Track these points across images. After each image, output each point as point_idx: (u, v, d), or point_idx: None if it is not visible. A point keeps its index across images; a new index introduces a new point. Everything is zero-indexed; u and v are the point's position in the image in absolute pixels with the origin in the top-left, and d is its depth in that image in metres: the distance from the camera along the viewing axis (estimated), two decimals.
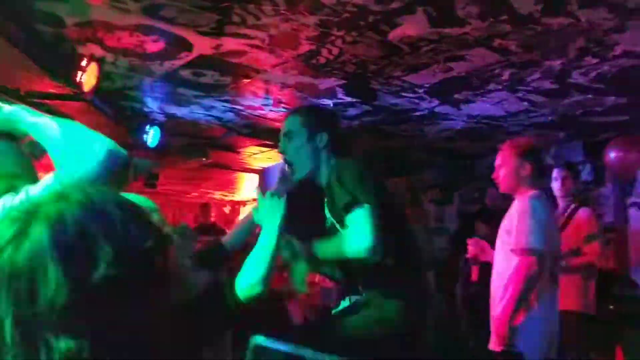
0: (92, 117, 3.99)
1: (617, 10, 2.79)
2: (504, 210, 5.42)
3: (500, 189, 2.93)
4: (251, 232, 2.25)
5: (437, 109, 4.64)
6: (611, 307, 4.71)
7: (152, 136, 4.89)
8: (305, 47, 3.39)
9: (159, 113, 4.90)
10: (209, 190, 8.73)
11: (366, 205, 1.84)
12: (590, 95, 4.15)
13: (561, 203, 3.86)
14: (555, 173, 3.93)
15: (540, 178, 2.90)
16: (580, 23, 2.96)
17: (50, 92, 3.57)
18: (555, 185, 3.89)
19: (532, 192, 2.76)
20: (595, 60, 3.49)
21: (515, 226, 2.68)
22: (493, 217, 5.35)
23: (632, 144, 4.71)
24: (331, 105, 4.52)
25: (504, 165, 2.84)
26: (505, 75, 3.79)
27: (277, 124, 4.64)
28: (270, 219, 1.85)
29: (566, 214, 3.80)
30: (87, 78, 3.38)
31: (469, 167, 6.50)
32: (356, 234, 1.83)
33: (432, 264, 6.37)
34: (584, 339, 3.75)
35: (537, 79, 3.84)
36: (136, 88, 4.25)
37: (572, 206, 3.82)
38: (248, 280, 1.75)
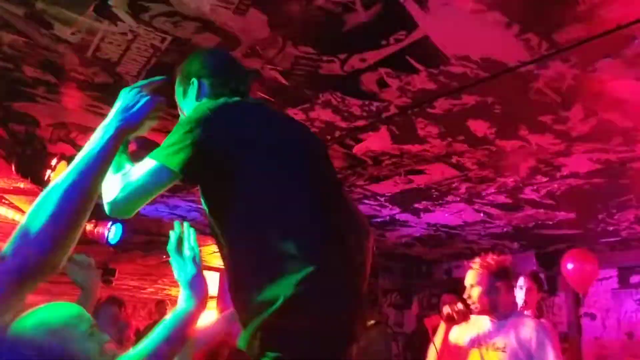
0: None
1: (563, 137, 3.04)
2: None
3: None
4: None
5: (397, 216, 4.79)
6: None
7: (113, 232, 4.85)
8: None
9: None
10: (165, 287, 8.54)
11: None
12: (541, 210, 4.37)
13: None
14: (520, 282, 4.03)
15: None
16: (530, 146, 3.20)
17: (18, 187, 3.57)
18: (519, 295, 3.96)
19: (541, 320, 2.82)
20: (545, 179, 3.72)
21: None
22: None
23: (588, 256, 4.90)
24: None
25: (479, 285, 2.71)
26: (463, 188, 3.98)
27: None
28: None
29: None
30: (55, 176, 3.40)
31: (427, 272, 6.61)
32: None
33: None
34: None
35: (492, 193, 4.05)
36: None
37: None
38: None
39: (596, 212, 4.35)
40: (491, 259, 2.79)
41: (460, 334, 2.80)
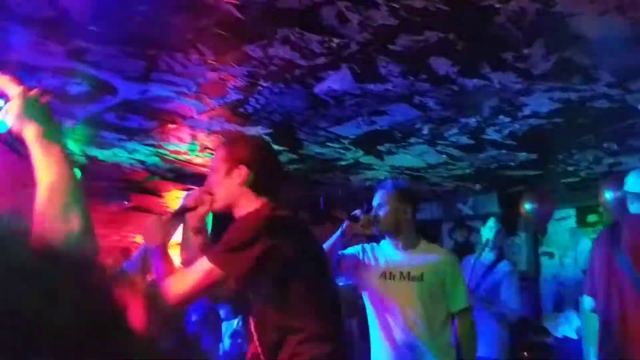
0: (7, 157, 3.82)
1: (524, 75, 3.02)
2: None
3: None
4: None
5: (361, 159, 4.77)
6: (525, 353, 4.89)
7: None
8: (232, 96, 3.43)
9: (80, 155, 4.75)
10: (129, 234, 8.46)
11: (212, 261, 1.84)
12: (504, 151, 4.40)
13: (488, 254, 4.03)
14: (491, 223, 4.13)
15: None
16: (492, 85, 3.17)
17: None
18: (489, 235, 4.06)
19: None
20: (507, 119, 3.72)
21: None
22: None
23: (546, 196, 5.00)
24: None
25: None
26: (425, 129, 3.97)
27: (203, 169, 4.61)
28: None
29: (490, 265, 3.98)
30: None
31: None
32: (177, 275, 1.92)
33: (356, 312, 6.42)
34: None
35: (454, 134, 4.05)
36: None
37: (495, 258, 4.02)
38: None
39: (556, 152, 4.40)
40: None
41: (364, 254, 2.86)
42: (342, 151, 4.52)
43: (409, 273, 2.70)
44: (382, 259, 2.83)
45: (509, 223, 5.71)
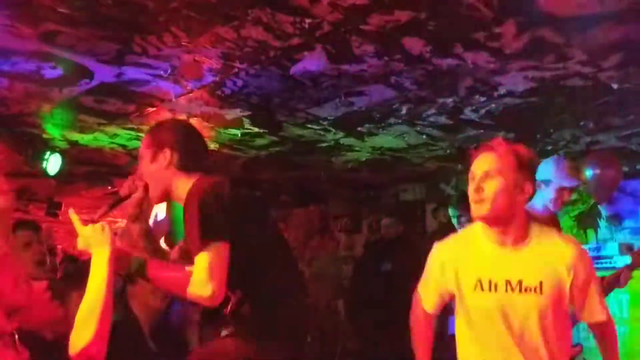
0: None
1: (497, 54, 3.04)
2: (400, 240, 5.57)
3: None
4: None
5: (342, 141, 4.79)
6: None
7: (52, 164, 4.72)
8: (208, 79, 3.43)
9: (61, 140, 4.74)
10: (115, 220, 8.46)
11: (213, 244, 1.77)
12: (482, 131, 4.44)
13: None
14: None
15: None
16: (466, 64, 3.19)
17: None
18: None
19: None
20: (483, 99, 3.75)
21: None
22: (389, 248, 5.54)
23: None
24: (239, 135, 4.57)
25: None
26: (404, 110, 3.99)
27: None
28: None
29: None
30: None
31: (375, 196, 6.72)
32: (196, 277, 1.74)
33: (341, 292, 6.49)
34: None
35: (433, 114, 4.07)
36: (34, 114, 4.11)
37: None
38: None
39: (534, 131, 4.44)
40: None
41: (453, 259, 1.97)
42: (322, 133, 4.54)
43: (520, 282, 1.83)
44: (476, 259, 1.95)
45: None
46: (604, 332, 1.96)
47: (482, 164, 1.85)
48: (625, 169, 4.73)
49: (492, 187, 1.79)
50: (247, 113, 4.08)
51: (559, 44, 2.94)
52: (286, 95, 3.71)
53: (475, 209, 1.82)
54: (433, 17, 2.67)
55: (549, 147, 4.83)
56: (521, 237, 1.85)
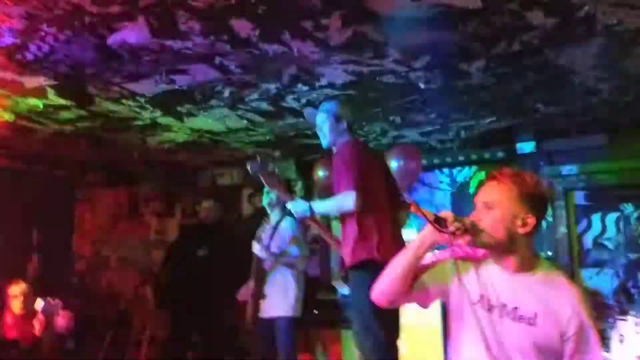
0: None
1: (322, 45, 3.12)
2: (218, 224, 5.52)
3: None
4: None
5: (159, 120, 4.57)
6: (315, 311, 5.21)
7: None
8: (7, 40, 3.01)
9: None
10: None
11: None
12: (301, 119, 4.54)
13: (274, 216, 4.20)
14: (266, 189, 4.25)
15: None
16: (292, 52, 3.23)
17: None
18: (265, 200, 4.24)
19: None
20: (305, 88, 3.83)
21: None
22: (207, 232, 5.47)
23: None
24: (41, 106, 4.10)
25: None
26: (226, 92, 3.92)
27: None
28: None
29: (276, 225, 4.14)
30: None
31: (191, 179, 6.56)
32: None
33: (151, 278, 6.23)
34: (294, 341, 4.06)
35: (255, 99, 4.06)
36: None
37: (281, 216, 4.17)
38: None
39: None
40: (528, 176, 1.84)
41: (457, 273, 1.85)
42: (137, 110, 4.28)
43: (515, 309, 1.77)
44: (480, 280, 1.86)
45: (305, 189, 5.98)
46: None
47: (484, 194, 1.83)
48: (424, 162, 5.19)
49: (489, 218, 1.78)
50: (52, 82, 3.67)
51: (378, 42, 3.10)
52: (100, 67, 3.41)
53: (477, 239, 1.78)
54: (264, 1, 2.64)
55: (361, 139, 5.12)
56: (525, 268, 1.81)
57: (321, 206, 3.11)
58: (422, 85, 3.79)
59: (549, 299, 1.74)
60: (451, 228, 1.70)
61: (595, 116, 4.51)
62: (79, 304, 5.40)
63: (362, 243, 2.91)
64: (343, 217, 3.03)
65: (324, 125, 3.23)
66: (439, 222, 1.72)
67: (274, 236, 4.14)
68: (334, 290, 5.42)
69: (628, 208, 4.98)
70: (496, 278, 1.81)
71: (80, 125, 4.61)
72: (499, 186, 1.80)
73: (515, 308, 1.76)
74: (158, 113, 4.38)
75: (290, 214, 3.42)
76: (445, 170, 5.63)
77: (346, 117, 3.21)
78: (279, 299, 4.05)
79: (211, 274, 5.05)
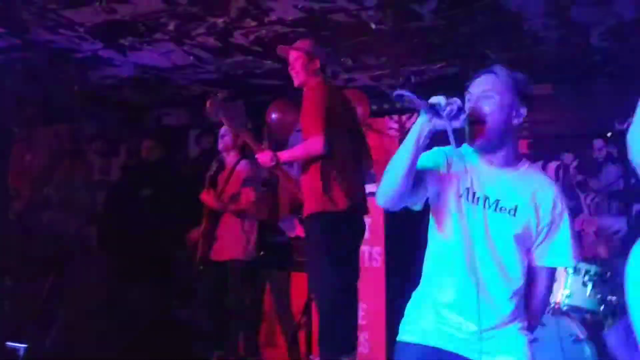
0: None
1: None
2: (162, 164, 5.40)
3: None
4: None
5: (100, 53, 4.37)
6: (262, 252, 5.23)
7: None
8: None
9: None
10: None
11: None
12: (250, 57, 4.43)
13: (229, 156, 4.12)
14: (222, 131, 4.17)
15: None
16: None
17: None
18: (227, 140, 4.13)
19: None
20: (254, 23, 3.72)
21: None
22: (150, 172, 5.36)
23: (290, 107, 5.21)
24: None
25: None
26: (172, 25, 3.77)
27: None
28: None
29: (232, 165, 4.09)
30: None
31: (136, 118, 6.36)
32: None
33: (94, 219, 6.10)
34: (244, 283, 4.08)
35: (202, 34, 3.92)
36: None
37: (238, 158, 4.12)
38: None
39: None
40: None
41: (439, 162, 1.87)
42: (76, 41, 4.07)
43: (497, 201, 1.83)
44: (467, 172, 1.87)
45: (255, 132, 5.88)
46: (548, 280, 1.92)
47: (481, 85, 1.84)
48: (374, 107, 5.18)
49: (488, 105, 1.80)
50: None
51: None
52: None
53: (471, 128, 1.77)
54: None
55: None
56: (510, 163, 1.87)
57: (288, 154, 3.06)
58: (373, 26, 3.73)
59: (530, 192, 1.84)
60: (447, 110, 1.67)
61: (542, 65, 4.58)
62: (17, 242, 5.25)
63: (325, 194, 2.89)
64: (306, 164, 2.98)
65: (296, 63, 3.08)
66: (433, 108, 1.68)
67: (230, 180, 4.06)
68: (281, 232, 5.44)
69: (568, 157, 5.14)
70: (483, 171, 1.87)
71: (15, 55, 4.36)
72: (497, 77, 1.84)
73: (498, 200, 1.83)
74: (99, 45, 4.18)
75: (247, 157, 3.36)
76: (394, 116, 5.64)
77: (319, 56, 3.08)
78: (232, 241, 4.02)
79: (155, 214, 4.98)
